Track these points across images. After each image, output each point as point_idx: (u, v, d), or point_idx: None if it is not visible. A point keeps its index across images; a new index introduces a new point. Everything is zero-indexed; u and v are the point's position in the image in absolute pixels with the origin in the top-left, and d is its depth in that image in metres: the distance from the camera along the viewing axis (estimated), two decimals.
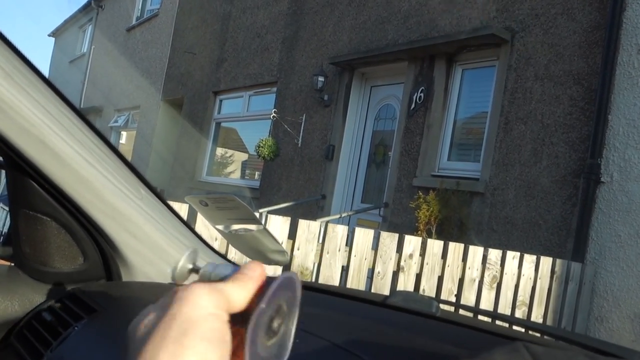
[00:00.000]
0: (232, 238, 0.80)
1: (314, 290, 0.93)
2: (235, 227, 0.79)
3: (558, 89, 4.42)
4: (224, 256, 0.89)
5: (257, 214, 5.60)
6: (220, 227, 0.79)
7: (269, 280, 0.42)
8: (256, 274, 0.43)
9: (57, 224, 0.79)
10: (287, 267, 2.52)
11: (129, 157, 9.75)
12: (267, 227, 2.47)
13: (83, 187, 0.72)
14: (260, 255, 0.80)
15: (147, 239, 0.78)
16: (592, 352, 0.70)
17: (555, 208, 4.24)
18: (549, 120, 4.43)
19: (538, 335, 0.90)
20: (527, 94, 4.65)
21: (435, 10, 5.65)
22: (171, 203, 2.23)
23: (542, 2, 4.68)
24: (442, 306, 0.90)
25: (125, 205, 0.76)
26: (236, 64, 9.04)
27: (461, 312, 1.27)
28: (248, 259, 0.92)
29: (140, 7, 14.19)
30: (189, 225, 0.85)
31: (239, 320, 0.40)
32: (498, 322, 1.29)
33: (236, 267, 0.45)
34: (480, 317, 1.22)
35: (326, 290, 0.94)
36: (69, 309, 0.81)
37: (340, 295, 0.89)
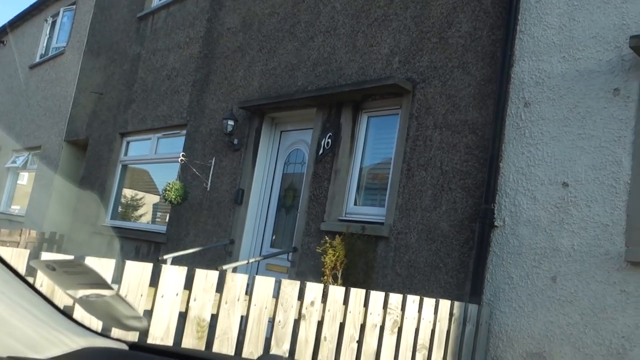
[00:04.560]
0: (85, 304, 0.75)
1: (166, 354, 0.88)
2: (86, 292, 0.74)
3: (455, 138, 4.66)
4: (82, 325, 0.84)
5: (161, 260, 5.37)
6: (70, 292, 0.74)
7: None
8: None
9: None
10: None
11: (26, 200, 9.21)
12: (161, 278, 2.39)
13: None
14: (115, 321, 0.76)
15: None
16: None
17: (454, 251, 4.41)
18: (447, 167, 4.65)
19: None
20: (427, 142, 4.86)
21: (342, 60, 5.84)
22: (92, 259, 2.08)
23: (440, 56, 4.97)
24: None
25: None
26: (145, 106, 8.85)
27: None
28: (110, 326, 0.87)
29: (45, 45, 13.67)
30: (39, 291, 0.79)
31: None
32: None
33: None
34: None
35: (181, 354, 0.90)
36: None
37: (198, 359, 0.86)
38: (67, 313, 0.81)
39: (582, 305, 3.69)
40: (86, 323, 0.93)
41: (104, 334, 0.84)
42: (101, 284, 0.73)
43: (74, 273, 0.73)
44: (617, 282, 3.58)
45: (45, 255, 1.98)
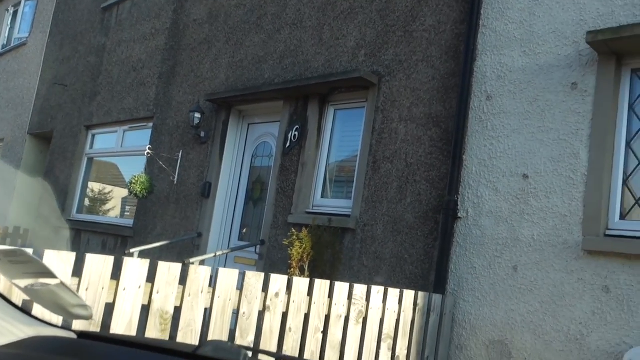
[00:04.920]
0: (31, 293, 0.76)
1: (113, 342, 0.89)
2: (31, 281, 0.75)
3: (420, 130, 4.72)
4: (32, 315, 0.84)
5: (128, 254, 5.31)
6: (16, 282, 0.74)
7: None
8: None
9: None
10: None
11: None
12: (123, 270, 2.37)
13: None
14: (61, 310, 0.77)
15: None
16: None
17: (419, 243, 4.48)
18: (412, 159, 4.71)
19: None
20: (392, 135, 4.91)
21: (309, 52, 5.85)
22: (52, 252, 2.04)
23: (405, 49, 5.02)
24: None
25: None
26: (110, 98, 8.71)
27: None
28: (53, 314, 0.87)
29: (6, 35, 13.30)
30: None
31: None
32: None
33: None
34: None
35: (129, 342, 0.91)
36: None
37: (144, 347, 0.87)
38: (16, 304, 0.81)
39: (542, 293, 3.79)
40: (46, 317, 0.93)
41: (52, 323, 0.85)
42: (46, 273, 0.74)
43: (19, 262, 0.73)
44: (574, 271, 3.69)
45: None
